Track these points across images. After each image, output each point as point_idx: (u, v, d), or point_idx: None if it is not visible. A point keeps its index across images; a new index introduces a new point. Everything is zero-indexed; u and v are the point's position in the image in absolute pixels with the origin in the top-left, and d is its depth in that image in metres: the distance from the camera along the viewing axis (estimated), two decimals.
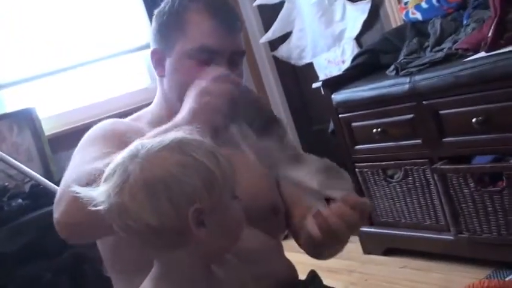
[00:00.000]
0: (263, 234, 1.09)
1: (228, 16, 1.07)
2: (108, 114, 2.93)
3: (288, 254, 1.17)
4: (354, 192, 0.97)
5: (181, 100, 1.06)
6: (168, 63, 1.09)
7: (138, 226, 0.73)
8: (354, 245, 2.47)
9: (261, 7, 3.47)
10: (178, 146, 0.76)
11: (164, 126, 0.93)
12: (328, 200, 0.92)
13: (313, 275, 1.16)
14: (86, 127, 3.00)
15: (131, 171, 0.73)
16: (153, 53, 1.12)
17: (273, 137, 1.00)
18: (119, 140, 0.89)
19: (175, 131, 0.81)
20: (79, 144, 1.09)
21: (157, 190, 0.72)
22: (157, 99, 1.18)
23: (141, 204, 0.72)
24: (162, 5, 1.10)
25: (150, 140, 0.78)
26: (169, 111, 1.10)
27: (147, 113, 1.19)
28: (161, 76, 1.13)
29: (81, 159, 1.00)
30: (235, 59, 1.10)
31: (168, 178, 0.73)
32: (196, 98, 0.95)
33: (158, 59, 1.11)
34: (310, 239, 0.96)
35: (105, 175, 0.76)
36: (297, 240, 1.16)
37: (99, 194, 0.75)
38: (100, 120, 3.02)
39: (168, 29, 1.08)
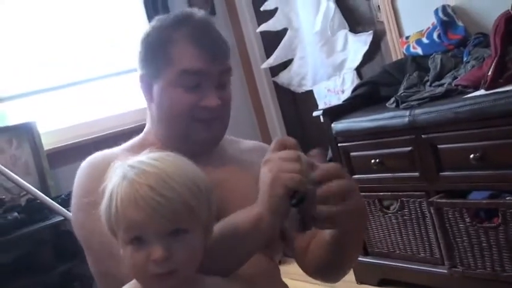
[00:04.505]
0: (261, 256, 1.10)
1: (211, 42, 1.08)
2: (106, 132, 2.95)
3: (284, 280, 1.17)
4: None
5: (169, 128, 1.11)
6: (155, 89, 1.11)
7: None
8: (347, 275, 2.46)
9: (263, 33, 3.52)
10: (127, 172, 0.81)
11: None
12: None
13: None
14: (85, 144, 3.01)
15: None
16: (141, 79, 1.14)
17: None
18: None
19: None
20: (73, 194, 1.09)
21: None
22: (147, 125, 1.19)
23: None
24: (147, 31, 1.12)
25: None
26: (156, 137, 1.14)
27: (138, 140, 1.19)
28: (149, 102, 1.15)
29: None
30: (223, 79, 1.11)
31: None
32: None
33: (146, 85, 1.13)
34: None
35: None
36: (303, 266, 1.15)
37: None
38: (98, 138, 3.01)
39: (154, 58, 1.10)
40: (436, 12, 2.40)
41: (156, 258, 0.77)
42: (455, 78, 2.14)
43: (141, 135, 1.19)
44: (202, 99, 1.07)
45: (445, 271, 2.07)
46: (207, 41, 1.08)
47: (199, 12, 1.12)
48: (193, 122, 1.09)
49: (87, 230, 1.03)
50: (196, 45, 1.06)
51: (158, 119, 1.13)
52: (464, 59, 2.23)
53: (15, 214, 2.32)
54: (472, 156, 1.86)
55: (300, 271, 1.17)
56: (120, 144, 1.18)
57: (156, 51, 1.09)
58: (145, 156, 0.83)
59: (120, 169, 0.82)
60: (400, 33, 2.68)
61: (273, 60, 3.42)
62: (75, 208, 1.07)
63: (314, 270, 1.12)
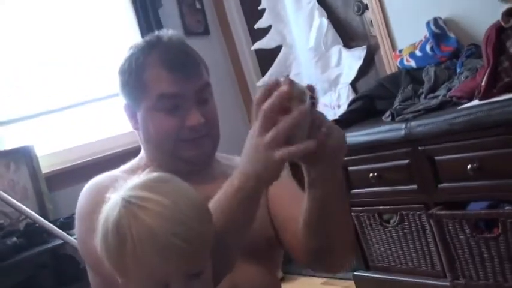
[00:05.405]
0: (261, 270, 1.10)
1: (182, 63, 1.09)
2: (104, 154, 2.96)
3: None
4: None
5: (158, 151, 1.12)
6: (139, 117, 1.12)
7: None
8: None
9: (258, 51, 3.54)
10: (133, 205, 0.77)
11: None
12: None
13: None
14: (83, 166, 3.00)
15: None
16: (125, 108, 1.16)
17: None
18: None
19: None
20: (76, 218, 1.09)
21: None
22: (141, 150, 1.21)
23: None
24: (123, 61, 1.13)
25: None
26: (149, 161, 1.15)
27: (135, 162, 1.20)
28: (136, 129, 1.16)
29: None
30: (202, 96, 1.11)
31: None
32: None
33: (130, 114, 1.15)
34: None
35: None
36: (299, 256, 1.10)
37: None
38: (96, 160, 3.01)
39: (131, 87, 1.11)
40: (428, 24, 2.42)
41: None
42: (449, 89, 2.15)
43: (138, 157, 1.21)
44: (185, 120, 1.08)
45: (448, 284, 2.06)
46: (178, 63, 1.08)
47: (169, 34, 1.13)
48: (181, 142, 1.09)
49: (95, 253, 1.03)
50: (168, 69, 1.07)
51: (146, 144, 1.15)
52: (458, 70, 2.25)
53: (14, 239, 2.32)
54: (469, 166, 1.86)
55: None
56: (118, 166, 1.19)
57: (131, 79, 1.10)
58: (146, 190, 0.79)
59: (122, 204, 0.78)
60: (393, 47, 2.71)
61: (269, 77, 3.43)
62: (82, 232, 1.06)
63: (307, 254, 1.05)
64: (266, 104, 0.82)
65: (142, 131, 1.13)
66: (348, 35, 2.99)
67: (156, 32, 1.14)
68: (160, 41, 1.12)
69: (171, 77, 1.07)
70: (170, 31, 1.15)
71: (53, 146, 2.99)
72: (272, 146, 0.81)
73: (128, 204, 0.77)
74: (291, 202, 1.00)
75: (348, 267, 1.11)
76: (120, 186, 0.81)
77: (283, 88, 0.81)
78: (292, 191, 1.14)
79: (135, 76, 1.09)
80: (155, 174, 0.83)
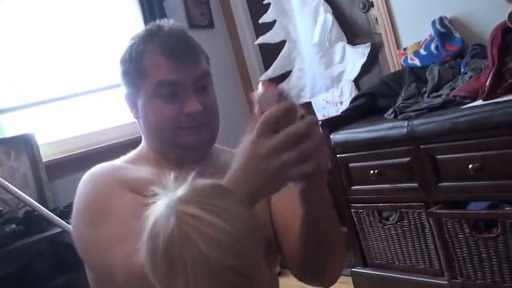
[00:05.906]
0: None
1: (181, 51, 1.10)
2: (105, 144, 2.96)
3: None
4: None
5: (158, 139, 1.13)
6: (139, 105, 1.14)
7: None
8: (346, 286, 2.46)
9: (262, 45, 3.54)
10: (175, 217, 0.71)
11: None
12: None
13: None
14: (83, 156, 3.00)
15: None
16: (126, 97, 1.17)
17: None
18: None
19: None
20: (74, 208, 1.07)
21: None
22: (142, 140, 1.22)
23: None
24: (124, 51, 1.15)
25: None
26: (149, 151, 1.16)
27: (135, 153, 1.21)
28: (137, 118, 1.17)
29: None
30: (201, 84, 1.12)
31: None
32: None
33: (131, 103, 1.16)
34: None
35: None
36: (294, 269, 1.13)
37: None
38: (96, 150, 3.00)
39: (132, 75, 1.12)
40: (433, 23, 2.42)
41: None
42: (453, 89, 2.15)
43: (139, 147, 1.21)
44: (183, 107, 1.09)
45: (445, 282, 2.07)
46: (177, 51, 1.10)
47: (170, 23, 1.14)
48: (179, 130, 1.10)
49: (89, 246, 1.02)
50: (167, 57, 1.09)
51: (147, 132, 1.16)
52: (462, 70, 2.24)
53: (13, 226, 2.32)
54: (470, 166, 1.86)
55: (298, 283, 1.17)
56: (118, 157, 1.20)
57: (132, 67, 1.12)
58: (199, 207, 0.71)
59: (174, 222, 0.70)
60: (398, 45, 2.70)
61: (272, 72, 3.43)
62: (78, 222, 1.06)
63: (302, 266, 1.08)
64: (271, 111, 0.83)
65: (142, 119, 1.14)
66: (352, 32, 2.99)
67: (157, 22, 1.16)
68: (161, 29, 1.13)
69: (169, 64, 1.08)
70: (171, 21, 1.16)
71: (54, 134, 2.98)
72: (275, 154, 0.81)
73: (180, 223, 0.69)
74: (293, 210, 1.01)
75: (336, 281, 1.14)
76: (166, 184, 0.74)
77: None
78: (296, 199, 1.14)
79: (135, 63, 1.11)
80: (207, 184, 0.76)
